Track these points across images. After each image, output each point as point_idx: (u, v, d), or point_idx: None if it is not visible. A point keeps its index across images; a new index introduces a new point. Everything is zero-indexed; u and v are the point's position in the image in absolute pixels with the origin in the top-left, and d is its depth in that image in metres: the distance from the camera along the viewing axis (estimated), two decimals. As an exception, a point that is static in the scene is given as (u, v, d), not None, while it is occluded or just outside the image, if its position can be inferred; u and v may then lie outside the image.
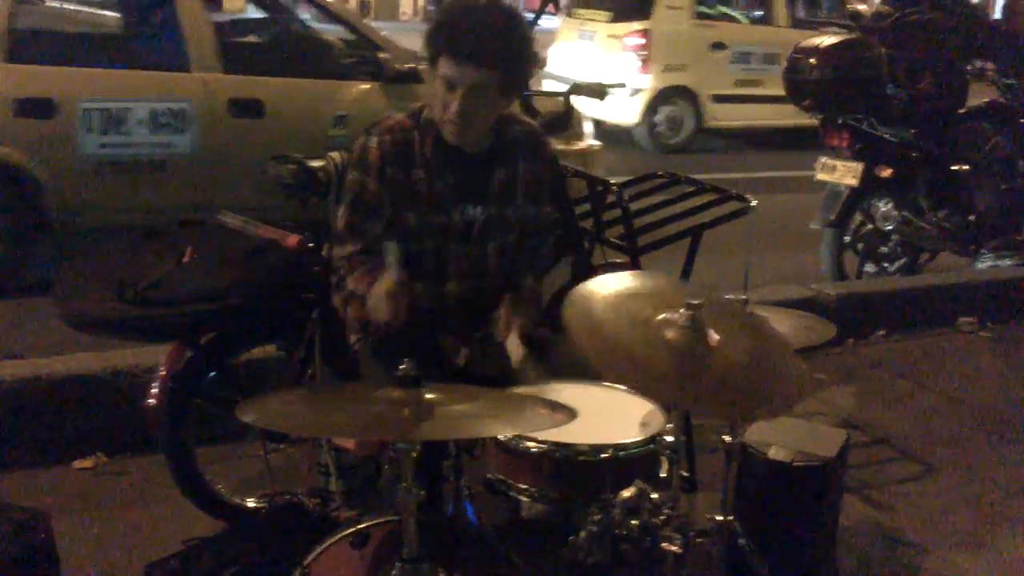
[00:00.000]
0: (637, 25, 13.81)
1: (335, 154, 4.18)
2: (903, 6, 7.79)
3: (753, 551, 3.33)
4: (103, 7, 10.81)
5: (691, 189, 4.99)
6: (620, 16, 14.16)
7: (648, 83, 13.77)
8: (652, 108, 13.88)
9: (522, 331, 3.35)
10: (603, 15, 14.45)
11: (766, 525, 3.75)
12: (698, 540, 2.98)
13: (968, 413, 5.93)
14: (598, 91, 5.40)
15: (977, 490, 5.00)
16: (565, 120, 5.23)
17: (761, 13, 14.97)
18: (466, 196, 3.50)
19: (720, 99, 14.10)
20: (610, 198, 4.83)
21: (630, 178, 5.19)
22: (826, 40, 7.51)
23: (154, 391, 3.96)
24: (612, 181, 4.84)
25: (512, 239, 3.62)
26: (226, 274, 3.83)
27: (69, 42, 8.66)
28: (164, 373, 3.97)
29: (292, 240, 3.97)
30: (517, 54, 3.32)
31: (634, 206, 4.84)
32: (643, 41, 13.69)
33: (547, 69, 14.82)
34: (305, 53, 8.66)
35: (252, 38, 9.34)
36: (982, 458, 5.36)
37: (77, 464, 4.68)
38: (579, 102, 6.86)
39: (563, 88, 6.69)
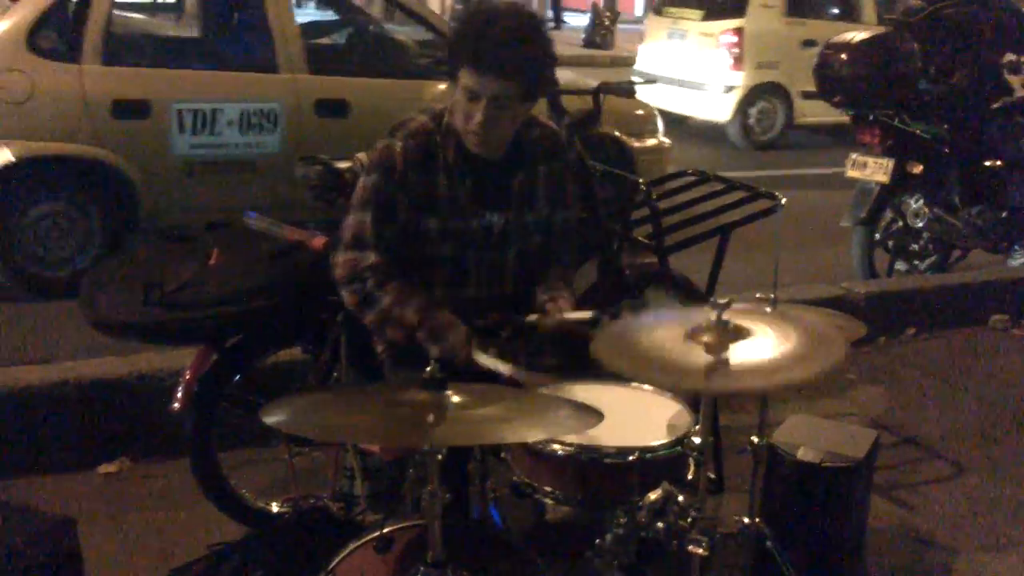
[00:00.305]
0: (731, 23, 14.01)
1: (361, 155, 4.18)
2: (936, 0, 7.73)
3: (780, 553, 3.31)
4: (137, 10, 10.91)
5: (720, 187, 4.95)
6: (712, 14, 14.38)
7: (740, 80, 13.98)
8: (744, 105, 14.06)
9: (553, 325, 3.37)
10: (695, 13, 14.65)
11: (794, 526, 3.73)
12: (725, 542, 2.96)
13: (999, 412, 5.88)
14: (627, 89, 5.37)
15: (1007, 490, 4.96)
16: (594, 118, 5.20)
17: (846, 10, 15.04)
18: (486, 202, 3.46)
19: (810, 95, 14.08)
20: (638, 197, 4.82)
21: (659, 176, 5.18)
22: (857, 35, 7.46)
23: (179, 395, 3.95)
24: (640, 180, 4.82)
25: (534, 244, 3.59)
26: (252, 276, 3.82)
27: (160, 45, 8.85)
28: (189, 376, 3.96)
29: (318, 242, 3.96)
30: (539, 61, 3.29)
31: (663, 205, 4.82)
32: (736, 39, 13.88)
33: (636, 67, 15.38)
34: (384, 54, 8.92)
35: (330, 39, 9.54)
36: (1013, 458, 5.31)
37: (102, 468, 4.68)
38: (664, 99, 6.88)
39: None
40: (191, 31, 9.79)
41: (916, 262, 7.98)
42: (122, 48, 7.43)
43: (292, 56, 7.55)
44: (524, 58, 3.20)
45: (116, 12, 7.69)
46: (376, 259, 3.38)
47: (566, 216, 3.68)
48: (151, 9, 10.60)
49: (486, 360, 3.22)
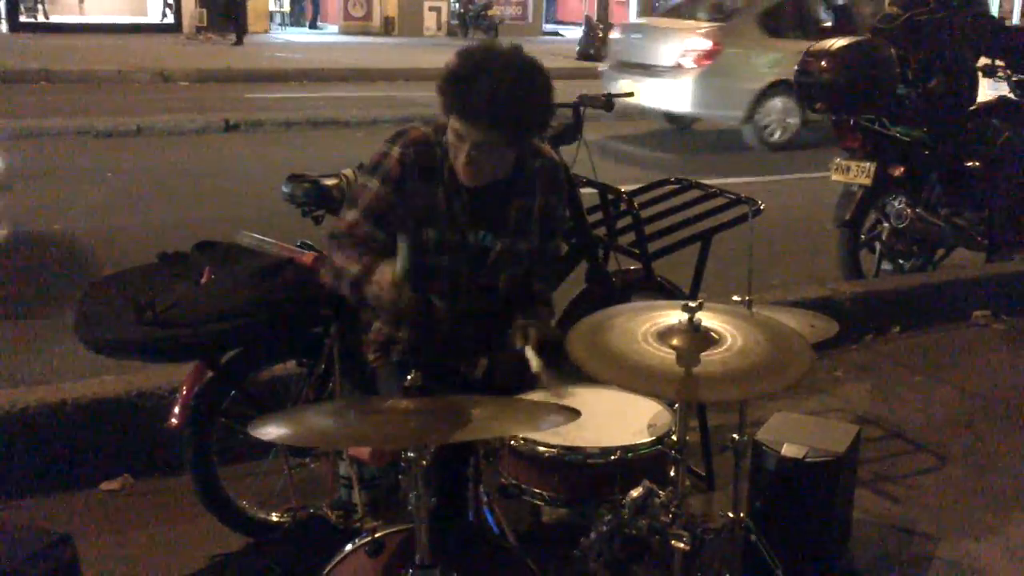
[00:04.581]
0: None
1: (348, 171, 4.24)
2: (912, 6, 7.81)
3: (766, 547, 3.39)
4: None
5: (701, 194, 5.04)
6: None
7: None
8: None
9: (536, 340, 3.33)
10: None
11: (781, 520, 3.80)
12: (709, 537, 3.04)
13: (981, 405, 5.98)
14: (605, 102, 5.44)
15: (990, 480, 5.03)
16: (574, 131, 5.26)
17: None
18: (482, 222, 3.48)
19: None
20: (621, 206, 4.89)
21: (641, 185, 5.25)
22: (837, 42, 7.54)
23: (176, 411, 3.99)
24: (623, 189, 4.89)
25: (523, 269, 3.59)
26: (244, 293, 3.86)
27: None
28: (185, 393, 4.01)
29: (308, 257, 4.02)
30: (529, 113, 3.25)
31: (645, 213, 4.90)
32: None
33: None
34: None
35: None
36: (995, 448, 5.39)
37: (104, 486, 4.70)
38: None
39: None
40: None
41: (901, 262, 8.06)
42: None
43: None
44: (511, 111, 3.16)
45: None
46: (346, 225, 3.44)
47: (555, 244, 3.74)
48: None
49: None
